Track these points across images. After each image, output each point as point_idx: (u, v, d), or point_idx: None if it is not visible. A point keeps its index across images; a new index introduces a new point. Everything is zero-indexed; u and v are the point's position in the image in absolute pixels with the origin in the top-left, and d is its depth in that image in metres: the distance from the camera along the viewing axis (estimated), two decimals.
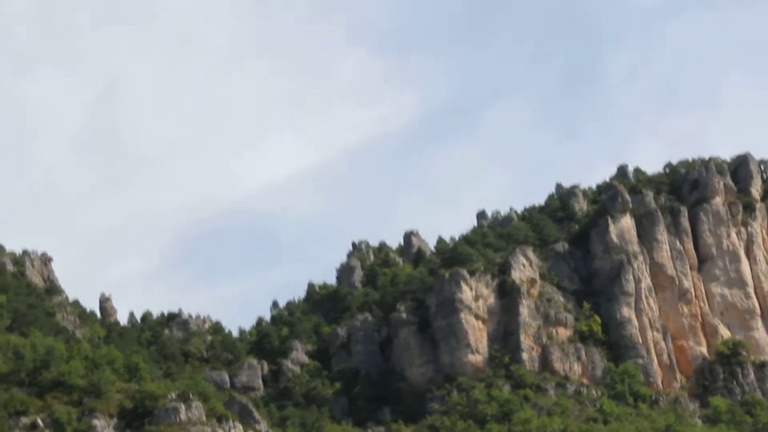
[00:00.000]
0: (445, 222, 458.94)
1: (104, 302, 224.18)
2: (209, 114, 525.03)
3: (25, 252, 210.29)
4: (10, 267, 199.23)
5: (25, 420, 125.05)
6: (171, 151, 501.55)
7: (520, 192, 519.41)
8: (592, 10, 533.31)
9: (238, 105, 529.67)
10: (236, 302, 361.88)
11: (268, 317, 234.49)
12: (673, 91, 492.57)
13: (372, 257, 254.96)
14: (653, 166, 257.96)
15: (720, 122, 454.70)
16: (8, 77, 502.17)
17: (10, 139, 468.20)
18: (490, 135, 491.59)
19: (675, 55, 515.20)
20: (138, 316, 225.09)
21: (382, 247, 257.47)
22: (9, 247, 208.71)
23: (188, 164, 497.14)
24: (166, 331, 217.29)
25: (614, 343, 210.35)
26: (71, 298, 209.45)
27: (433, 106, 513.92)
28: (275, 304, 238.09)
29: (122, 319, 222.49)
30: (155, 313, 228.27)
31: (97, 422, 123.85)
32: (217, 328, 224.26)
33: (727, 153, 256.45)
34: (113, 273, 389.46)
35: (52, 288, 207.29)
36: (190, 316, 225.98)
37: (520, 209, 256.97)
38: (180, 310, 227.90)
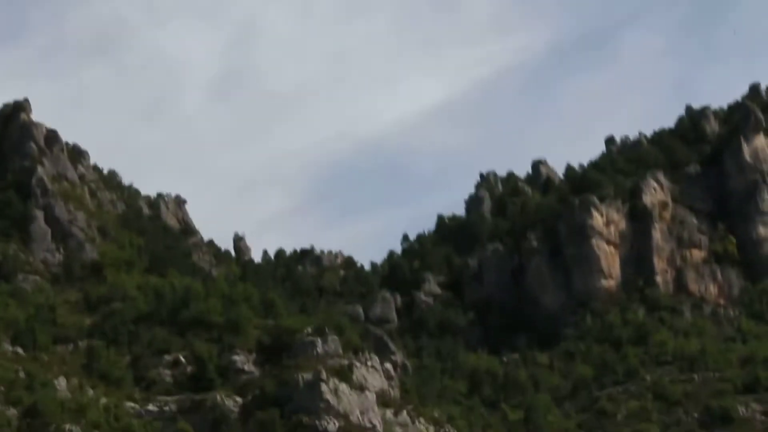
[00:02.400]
0: (574, 150, 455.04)
1: (238, 241, 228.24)
2: (343, 53, 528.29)
3: (159, 195, 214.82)
4: (146, 210, 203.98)
5: (167, 357, 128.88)
6: (305, 92, 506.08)
7: (651, 116, 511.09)
8: None
9: (371, 42, 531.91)
10: (368, 237, 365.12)
11: (399, 251, 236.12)
12: None
13: (501, 187, 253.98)
14: None
15: None
16: (144, 27, 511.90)
17: (150, 88, 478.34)
18: (622, 62, 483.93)
19: None
20: (271, 254, 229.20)
21: (511, 177, 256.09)
22: (145, 191, 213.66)
23: (323, 104, 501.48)
24: (300, 268, 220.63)
25: (751, 263, 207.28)
26: (206, 238, 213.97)
27: (564, 36, 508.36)
28: (406, 237, 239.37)
29: (256, 257, 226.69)
30: (288, 250, 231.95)
31: (237, 358, 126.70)
32: (349, 262, 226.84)
33: None
34: (249, 214, 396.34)
35: (188, 229, 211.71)
36: (323, 252, 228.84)
37: (649, 133, 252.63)
38: (312, 246, 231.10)
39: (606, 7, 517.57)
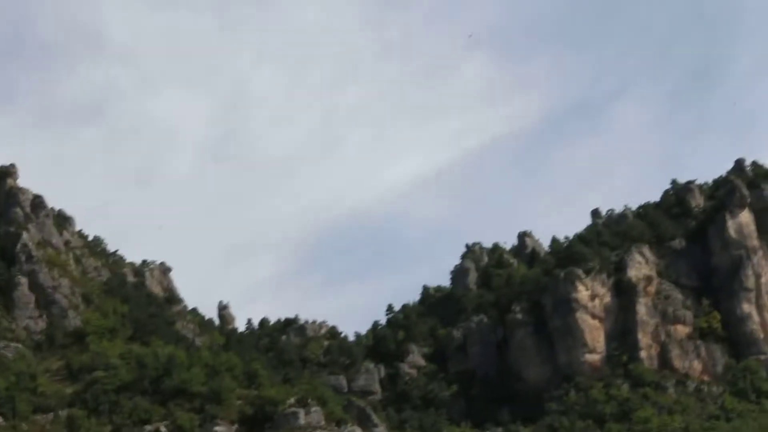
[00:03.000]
0: (560, 222, 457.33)
1: (222, 310, 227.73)
2: (333, 121, 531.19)
3: (144, 262, 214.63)
4: (130, 277, 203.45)
5: (149, 428, 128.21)
6: (294, 159, 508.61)
7: (637, 189, 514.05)
8: (717, 5, 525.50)
9: (362, 110, 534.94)
10: (353, 307, 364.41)
11: (383, 321, 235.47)
12: None
13: (486, 259, 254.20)
14: None
15: None
16: (137, 95, 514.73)
17: (140, 154, 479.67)
18: (611, 134, 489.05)
19: None
20: (255, 323, 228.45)
21: (496, 249, 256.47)
22: (131, 257, 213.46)
23: (312, 171, 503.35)
24: (284, 337, 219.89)
25: (735, 340, 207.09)
26: (190, 306, 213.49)
27: (553, 107, 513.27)
28: (390, 308, 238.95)
29: (241, 326, 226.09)
30: (272, 319, 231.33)
31: (219, 428, 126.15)
32: (333, 332, 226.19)
33: None
34: (235, 281, 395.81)
35: (172, 297, 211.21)
36: (307, 322, 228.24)
37: (635, 207, 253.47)
38: (297, 315, 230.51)
39: (596, 79, 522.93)
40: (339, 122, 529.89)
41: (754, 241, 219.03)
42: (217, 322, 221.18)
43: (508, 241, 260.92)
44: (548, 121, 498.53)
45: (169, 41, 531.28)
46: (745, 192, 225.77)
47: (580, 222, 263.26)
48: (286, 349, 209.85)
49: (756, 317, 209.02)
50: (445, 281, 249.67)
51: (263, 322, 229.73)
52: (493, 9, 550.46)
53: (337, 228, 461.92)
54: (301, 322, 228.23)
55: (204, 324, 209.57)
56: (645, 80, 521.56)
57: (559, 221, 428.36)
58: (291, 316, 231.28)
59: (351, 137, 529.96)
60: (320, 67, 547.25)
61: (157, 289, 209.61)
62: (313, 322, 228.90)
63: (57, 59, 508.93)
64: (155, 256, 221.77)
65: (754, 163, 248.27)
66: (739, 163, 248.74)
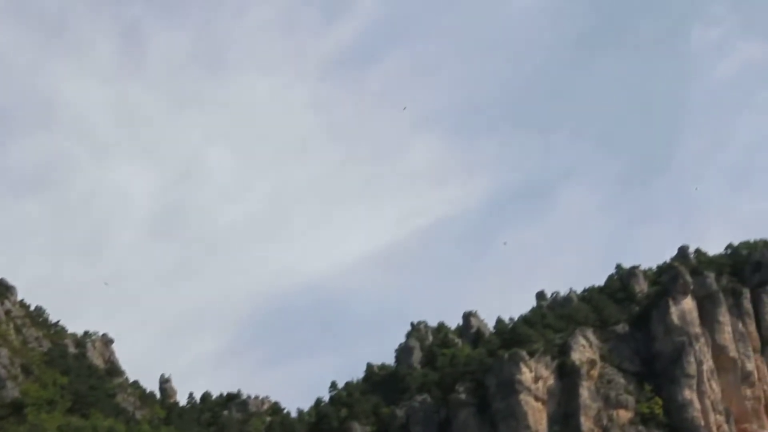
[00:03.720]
0: (505, 303, 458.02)
1: (164, 383, 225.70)
2: (282, 198, 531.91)
3: (86, 333, 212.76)
4: (71, 348, 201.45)
5: None
6: (242, 234, 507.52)
7: (582, 273, 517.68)
8: (664, 93, 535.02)
9: (310, 188, 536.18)
10: (296, 383, 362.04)
11: (327, 398, 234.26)
12: (742, 175, 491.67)
13: (431, 338, 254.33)
14: (715, 248, 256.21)
15: None
16: (88, 166, 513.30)
17: (86, 225, 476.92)
18: (558, 217, 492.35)
19: (746, 141, 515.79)
20: (197, 397, 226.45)
21: (441, 328, 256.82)
22: (73, 329, 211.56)
23: (259, 247, 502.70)
24: (226, 412, 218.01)
25: (676, 426, 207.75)
26: (132, 379, 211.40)
27: (502, 189, 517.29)
28: (334, 385, 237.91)
29: (182, 400, 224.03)
30: (215, 393, 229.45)
31: None
32: (276, 408, 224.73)
33: None
34: (178, 355, 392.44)
35: (113, 369, 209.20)
36: (249, 397, 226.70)
37: (580, 290, 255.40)
38: (239, 390, 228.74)
39: (543, 162, 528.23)
40: (287, 200, 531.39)
41: (697, 328, 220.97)
42: (158, 395, 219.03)
43: (454, 321, 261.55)
44: (495, 203, 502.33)
45: (120, 114, 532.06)
46: (688, 279, 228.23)
47: (526, 304, 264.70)
48: (228, 424, 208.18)
49: (697, 404, 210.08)
50: (390, 359, 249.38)
51: (205, 396, 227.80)
52: (442, 91, 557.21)
53: (284, 304, 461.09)
54: (244, 397, 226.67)
55: (145, 397, 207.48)
56: (592, 165, 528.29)
57: (504, 302, 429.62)
58: (233, 390, 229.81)
59: (298, 215, 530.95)
60: (269, 144, 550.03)
61: (98, 361, 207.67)
62: (256, 398, 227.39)
63: (5, 127, 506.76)
64: (98, 328, 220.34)
65: (698, 251, 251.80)
66: (682, 250, 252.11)
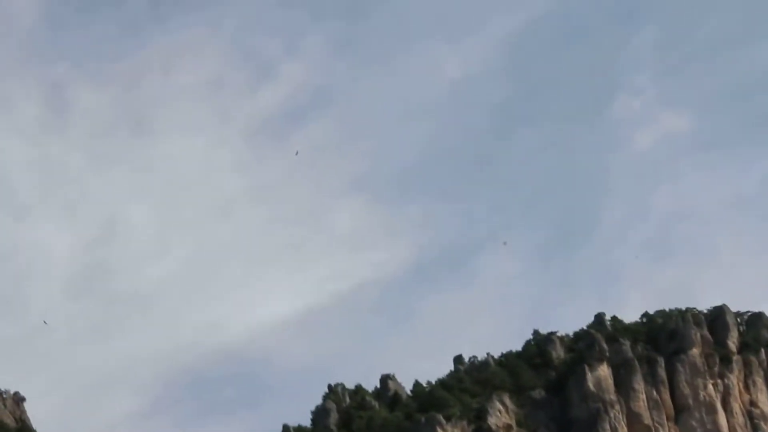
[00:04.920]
0: (424, 367, 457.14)
1: None
2: (204, 259, 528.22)
3: None
4: None
5: None
6: (162, 294, 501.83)
7: (501, 338, 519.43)
8: (586, 163, 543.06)
9: (231, 251, 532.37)
10: None
11: None
12: (660, 246, 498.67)
13: (348, 400, 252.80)
14: (632, 317, 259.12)
15: (706, 276, 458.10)
16: (8, 224, 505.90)
17: (6, 285, 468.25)
18: (478, 284, 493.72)
19: (666, 210, 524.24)
20: None
21: (359, 390, 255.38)
22: None
23: (179, 307, 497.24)
24: None
25: None
26: None
27: (424, 255, 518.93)
28: None
29: None
30: None
31: None
32: None
33: (708, 304, 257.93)
34: (93, 417, 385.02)
35: (24, 428, 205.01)
36: None
37: (497, 355, 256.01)
38: None
39: (466, 229, 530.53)
40: (209, 260, 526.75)
41: (612, 395, 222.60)
42: None
43: (371, 384, 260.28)
44: (417, 268, 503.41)
45: (42, 173, 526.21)
46: (604, 346, 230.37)
47: (444, 368, 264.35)
48: None
49: None
50: (307, 421, 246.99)
51: None
52: (367, 157, 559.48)
53: (202, 365, 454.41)
54: None
55: None
56: (514, 232, 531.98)
57: (422, 367, 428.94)
58: None
59: (220, 275, 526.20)
60: (192, 205, 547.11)
61: (8, 420, 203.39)
62: None
63: None
64: (9, 386, 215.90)
65: (614, 318, 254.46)
66: (599, 317, 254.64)
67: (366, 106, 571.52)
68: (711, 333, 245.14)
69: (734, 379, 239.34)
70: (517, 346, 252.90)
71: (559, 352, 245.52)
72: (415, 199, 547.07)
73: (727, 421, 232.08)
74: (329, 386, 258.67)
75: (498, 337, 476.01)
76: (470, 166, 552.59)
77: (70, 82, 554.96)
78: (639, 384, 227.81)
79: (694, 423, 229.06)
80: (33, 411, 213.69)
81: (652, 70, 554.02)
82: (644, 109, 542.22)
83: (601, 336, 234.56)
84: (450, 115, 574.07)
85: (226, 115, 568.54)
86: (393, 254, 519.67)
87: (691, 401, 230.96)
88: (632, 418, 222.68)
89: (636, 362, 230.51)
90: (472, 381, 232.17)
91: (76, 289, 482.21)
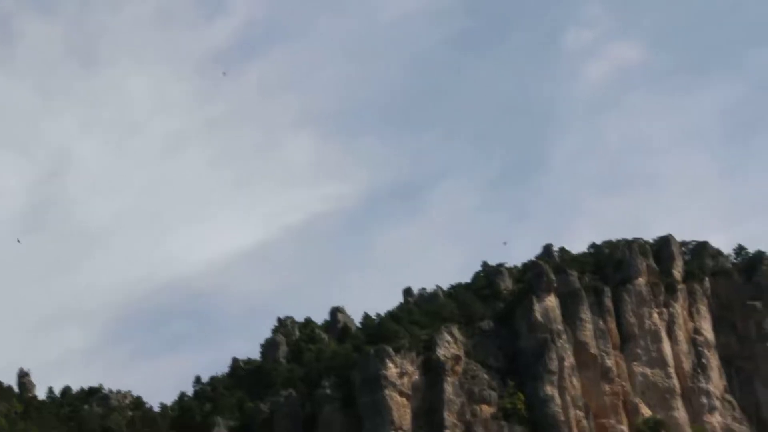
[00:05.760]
0: (374, 300, 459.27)
1: (23, 377, 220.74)
2: (155, 194, 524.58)
3: None
4: None
5: None
6: (114, 229, 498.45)
7: (451, 271, 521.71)
8: (538, 95, 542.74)
9: (183, 185, 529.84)
10: (162, 380, 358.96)
11: (191, 393, 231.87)
12: (610, 177, 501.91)
13: (297, 333, 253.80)
14: (580, 247, 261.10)
15: (654, 207, 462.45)
16: None
17: None
18: (430, 217, 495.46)
19: (617, 142, 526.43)
20: (58, 392, 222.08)
21: (308, 323, 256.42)
22: None
23: (132, 241, 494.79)
24: (86, 407, 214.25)
25: (538, 421, 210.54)
26: None
27: (379, 187, 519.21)
28: (198, 380, 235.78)
29: (41, 395, 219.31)
30: (76, 388, 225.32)
31: None
32: (138, 403, 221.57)
33: (655, 235, 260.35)
34: (41, 351, 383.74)
35: None
36: (111, 392, 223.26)
37: (446, 287, 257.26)
38: (100, 385, 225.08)
39: (419, 161, 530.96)
40: (160, 195, 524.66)
41: (559, 325, 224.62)
42: (16, 390, 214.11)
43: (321, 317, 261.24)
44: (370, 202, 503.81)
45: None
46: (552, 277, 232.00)
47: (393, 300, 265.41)
48: (88, 419, 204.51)
49: (558, 400, 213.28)
50: (257, 355, 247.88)
51: (65, 391, 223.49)
52: (318, 90, 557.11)
53: (154, 300, 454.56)
54: (105, 391, 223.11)
55: (2, 392, 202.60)
56: (466, 166, 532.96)
57: (373, 299, 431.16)
58: (95, 385, 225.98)
59: (172, 210, 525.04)
60: (143, 139, 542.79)
61: None
62: (118, 392, 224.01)
63: None
64: None
65: (562, 249, 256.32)
66: (547, 249, 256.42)
67: (318, 41, 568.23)
68: (656, 263, 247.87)
69: (679, 307, 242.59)
70: (468, 278, 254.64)
71: (507, 284, 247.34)
72: (368, 133, 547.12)
73: (672, 349, 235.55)
74: (279, 319, 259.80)
75: (449, 269, 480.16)
76: (423, 99, 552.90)
77: (17, 15, 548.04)
78: (586, 314, 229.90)
79: (639, 351, 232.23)
80: None
81: (604, 1, 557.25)
82: (595, 41, 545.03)
83: (549, 267, 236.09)
84: (401, 49, 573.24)
85: (177, 48, 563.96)
86: (346, 188, 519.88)
87: (636, 330, 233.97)
88: (579, 347, 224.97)
89: (583, 292, 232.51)
90: (421, 313, 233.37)
91: (27, 226, 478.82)
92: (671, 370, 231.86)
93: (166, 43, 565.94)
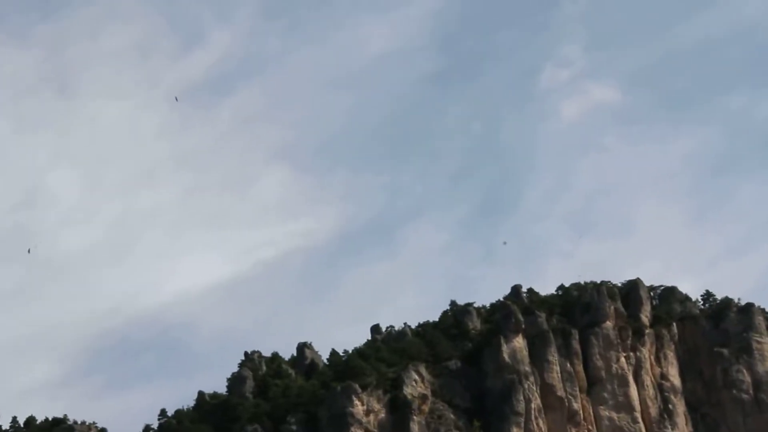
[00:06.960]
0: (342, 336, 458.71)
1: None
2: (126, 226, 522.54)
3: None
4: None
5: None
6: (85, 260, 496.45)
7: (420, 310, 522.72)
8: (513, 135, 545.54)
9: (155, 218, 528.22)
10: (128, 412, 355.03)
11: (156, 426, 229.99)
12: (581, 219, 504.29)
13: (264, 368, 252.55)
14: (548, 288, 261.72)
15: (623, 250, 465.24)
16: None
17: None
18: (402, 256, 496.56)
19: (590, 184, 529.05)
20: (21, 422, 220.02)
21: (275, 358, 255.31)
22: None
23: (102, 274, 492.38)
24: None
25: None
26: None
27: (351, 224, 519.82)
28: (163, 413, 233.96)
29: (5, 424, 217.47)
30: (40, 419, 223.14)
31: None
32: None
33: (624, 278, 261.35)
34: (8, 382, 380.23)
35: None
36: (76, 423, 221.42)
37: (414, 325, 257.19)
38: (65, 416, 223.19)
39: (391, 201, 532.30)
40: (132, 227, 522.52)
41: (526, 367, 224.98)
42: None
43: (289, 352, 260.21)
44: (342, 239, 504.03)
45: None
46: (520, 318, 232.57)
47: (361, 337, 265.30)
48: None
49: None
50: (224, 389, 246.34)
51: (29, 421, 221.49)
52: (294, 126, 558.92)
53: (124, 332, 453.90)
54: (69, 422, 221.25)
55: None
56: (439, 206, 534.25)
57: (341, 336, 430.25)
58: (59, 416, 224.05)
59: (143, 242, 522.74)
60: (116, 170, 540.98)
61: None
62: (82, 423, 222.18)
63: None
64: None
65: (530, 290, 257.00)
66: (515, 290, 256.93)
67: (293, 76, 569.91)
68: (624, 306, 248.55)
69: (646, 352, 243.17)
70: (436, 317, 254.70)
71: (475, 323, 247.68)
72: (341, 169, 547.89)
73: (639, 394, 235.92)
74: (246, 354, 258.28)
75: (418, 308, 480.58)
76: (397, 137, 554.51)
77: None
78: (553, 356, 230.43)
79: (606, 395, 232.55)
80: None
81: (582, 42, 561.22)
82: (572, 81, 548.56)
83: (517, 308, 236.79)
84: (377, 87, 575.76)
85: (153, 80, 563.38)
86: (318, 224, 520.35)
87: (603, 373, 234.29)
88: (546, 389, 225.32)
89: (551, 334, 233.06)
90: (388, 350, 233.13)
91: None
92: (638, 415, 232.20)
93: (141, 74, 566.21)
